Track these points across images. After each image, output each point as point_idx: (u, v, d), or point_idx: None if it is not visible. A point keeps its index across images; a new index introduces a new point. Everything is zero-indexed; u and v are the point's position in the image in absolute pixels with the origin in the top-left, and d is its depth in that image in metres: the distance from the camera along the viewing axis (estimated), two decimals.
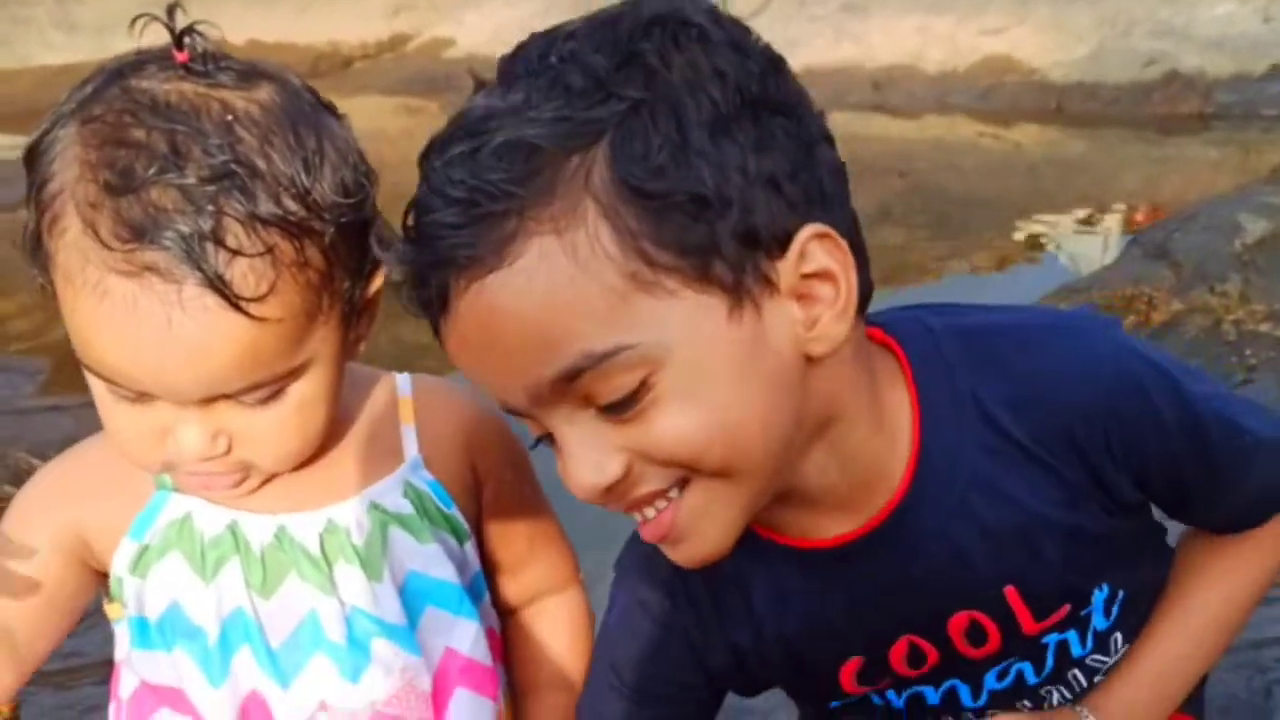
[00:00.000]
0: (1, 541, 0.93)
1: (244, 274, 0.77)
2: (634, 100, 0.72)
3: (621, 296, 0.72)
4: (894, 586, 0.94)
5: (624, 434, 0.77)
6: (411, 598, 0.96)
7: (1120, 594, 1.03)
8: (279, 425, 0.85)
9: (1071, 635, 1.02)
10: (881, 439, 0.88)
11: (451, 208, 0.72)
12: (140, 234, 0.75)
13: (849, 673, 1.01)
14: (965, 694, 1.05)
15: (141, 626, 0.94)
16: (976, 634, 0.98)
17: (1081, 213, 5.29)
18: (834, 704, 1.06)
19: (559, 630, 1.08)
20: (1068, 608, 0.99)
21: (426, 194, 0.74)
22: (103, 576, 0.95)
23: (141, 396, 0.81)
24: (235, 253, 0.76)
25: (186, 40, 0.81)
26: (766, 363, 0.77)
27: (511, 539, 1.03)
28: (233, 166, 0.77)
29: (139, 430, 0.83)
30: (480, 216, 0.71)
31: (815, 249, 0.76)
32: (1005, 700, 1.04)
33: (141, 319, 0.76)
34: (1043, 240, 4.95)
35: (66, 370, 3.51)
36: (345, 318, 0.86)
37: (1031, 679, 1.04)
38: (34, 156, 0.81)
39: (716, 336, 0.75)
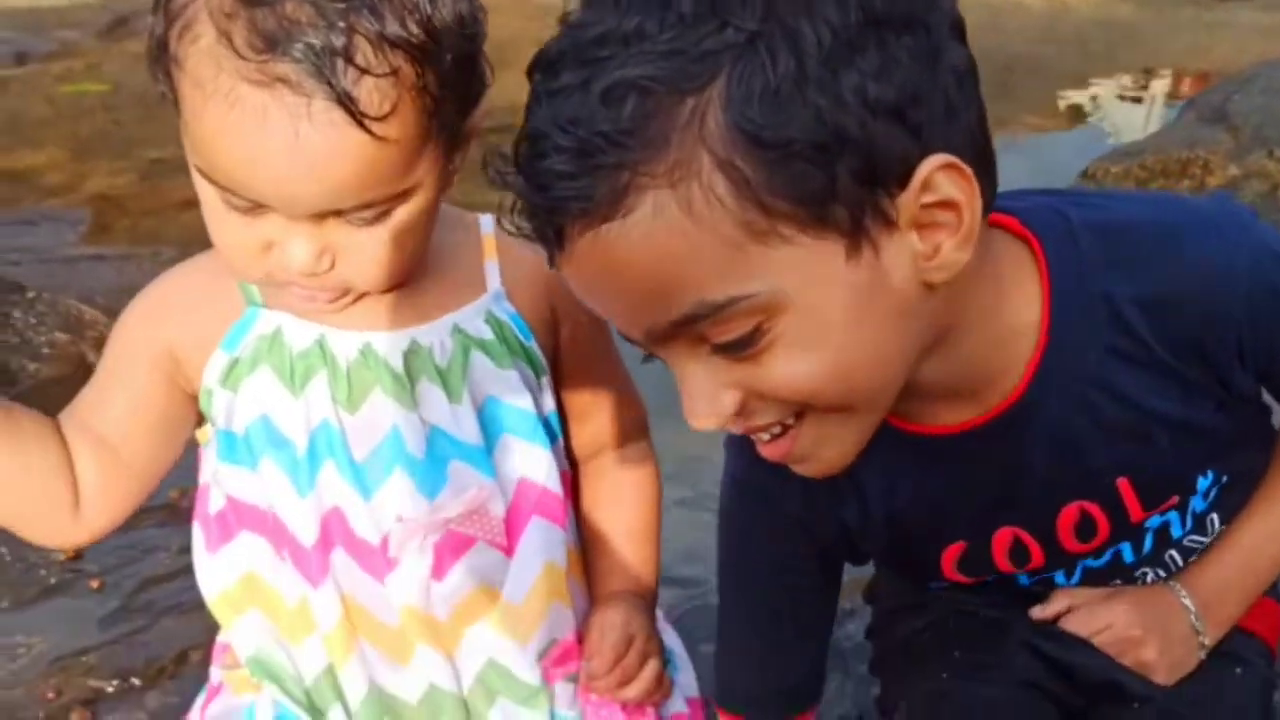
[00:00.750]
0: (109, 365, 0.96)
1: (370, 93, 0.77)
2: (750, 32, 0.68)
3: (737, 247, 0.71)
4: (1008, 474, 0.95)
5: (740, 371, 0.77)
6: (489, 422, 0.98)
7: (1223, 478, 1.03)
8: (381, 246, 0.85)
9: (1173, 517, 1.03)
10: (998, 342, 0.88)
11: (562, 155, 0.70)
12: (274, 45, 0.75)
13: (950, 558, 1.03)
14: (1060, 575, 1.06)
15: (229, 440, 0.96)
16: (1086, 527, 0.99)
17: (1129, 79, 5.14)
18: (933, 586, 1.08)
19: (626, 481, 1.10)
20: (1176, 497, 1.00)
21: (537, 128, 0.71)
22: (193, 400, 0.97)
23: (255, 208, 0.82)
24: (363, 71, 0.77)
25: None
26: (885, 300, 0.76)
27: (583, 383, 1.04)
28: None
29: (246, 241, 0.85)
30: (592, 168, 0.69)
31: (939, 179, 0.73)
32: (1099, 578, 1.06)
33: (270, 129, 0.77)
34: (1089, 106, 4.83)
35: (105, 221, 3.54)
36: (449, 147, 0.87)
37: (1129, 558, 1.05)
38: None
39: (833, 280, 0.74)
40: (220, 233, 0.86)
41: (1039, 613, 1.07)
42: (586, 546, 1.09)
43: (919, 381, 0.86)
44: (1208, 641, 1.08)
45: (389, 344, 0.94)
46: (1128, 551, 1.06)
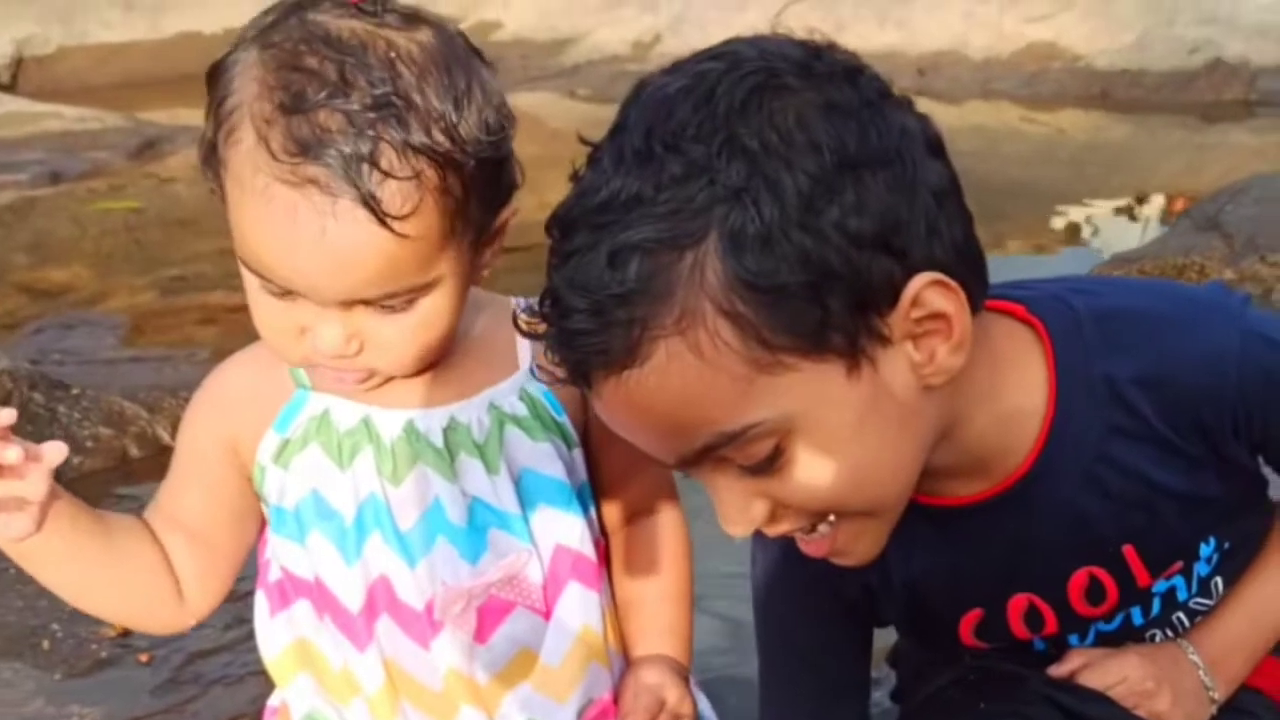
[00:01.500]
0: (181, 460, 1.06)
1: (393, 194, 0.86)
2: (737, 188, 0.77)
3: (746, 380, 0.79)
4: (1018, 544, 1.02)
5: (766, 485, 0.85)
6: (525, 492, 1.05)
7: (1225, 544, 1.09)
8: (405, 333, 0.94)
9: (1179, 582, 1.08)
10: (1005, 422, 0.96)
11: (579, 315, 0.79)
12: (306, 150, 0.85)
13: (968, 625, 1.09)
14: (1074, 638, 1.11)
15: (280, 515, 1.03)
16: (1096, 592, 1.05)
17: (1123, 200, 5.27)
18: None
19: (658, 546, 1.15)
20: (1180, 564, 1.06)
21: (556, 290, 0.81)
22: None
23: (287, 294, 0.91)
24: (387, 174, 0.85)
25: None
26: (889, 409, 0.84)
27: (615, 453, 1.08)
28: (392, 98, 0.86)
29: (283, 324, 0.94)
30: (607, 325, 0.78)
31: (927, 295, 0.81)
32: (1111, 641, 1.11)
33: (300, 225, 0.86)
34: (1084, 226, 4.95)
35: (142, 326, 3.64)
36: (475, 244, 0.96)
37: (1138, 621, 1.10)
38: (216, 75, 0.92)
39: (838, 398, 0.81)
40: (261, 316, 0.95)
41: (1056, 670, 1.10)
42: (621, 610, 1.14)
43: (931, 463, 0.93)
44: (1218, 696, 1.12)
45: (430, 421, 1.02)
46: (1137, 615, 1.11)
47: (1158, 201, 5.22)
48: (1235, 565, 1.12)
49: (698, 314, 0.77)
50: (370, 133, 0.85)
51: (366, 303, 0.91)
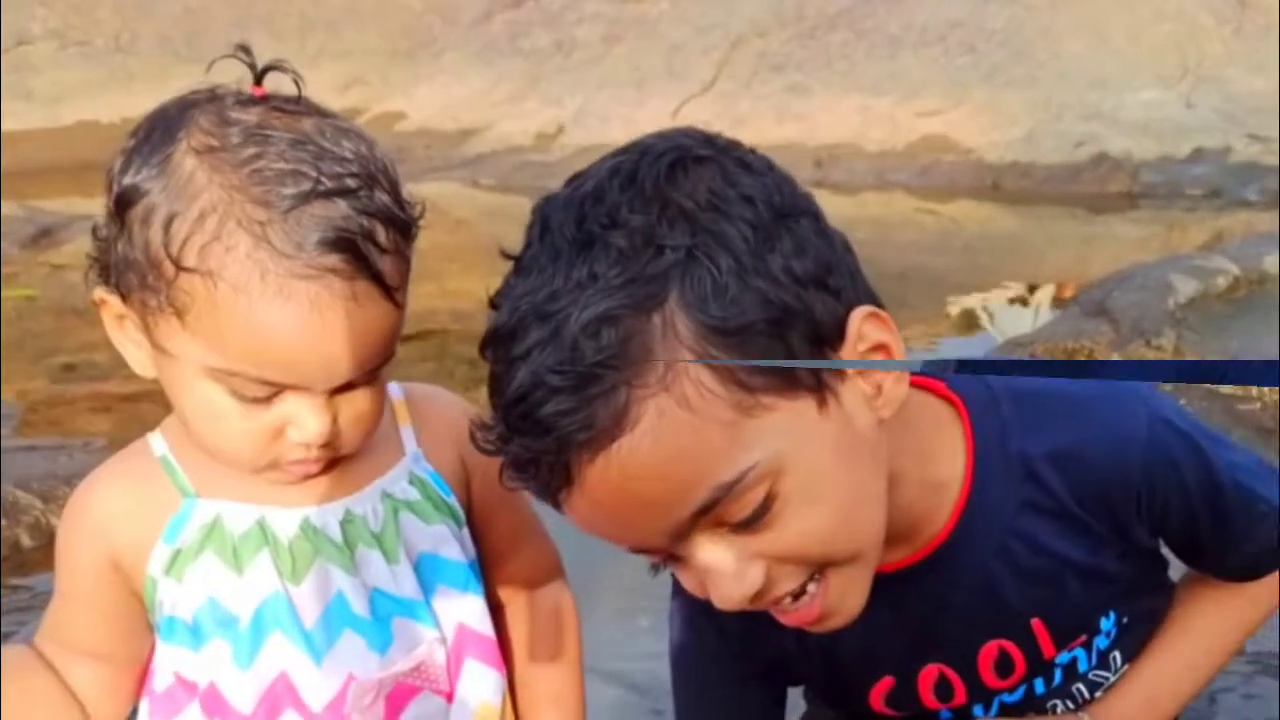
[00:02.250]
0: (64, 587, 1.01)
1: (390, 268, 0.89)
2: (686, 246, 0.79)
3: (734, 425, 0.80)
4: (932, 612, 1.04)
5: (760, 543, 0.85)
6: (424, 577, 1.03)
7: (1124, 619, 1.13)
8: (369, 404, 0.94)
9: (1080, 654, 1.11)
10: (929, 490, 0.99)
11: (559, 394, 0.77)
12: (320, 243, 0.84)
13: (879, 693, 1.11)
14: (979, 709, 1.13)
15: (172, 625, 0.99)
16: (1004, 664, 1.08)
17: (1015, 287, 5.47)
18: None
19: (545, 620, 1.14)
20: (1084, 636, 1.10)
21: (523, 386, 0.78)
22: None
23: (272, 395, 0.89)
24: (384, 251, 0.88)
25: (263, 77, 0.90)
26: (857, 441, 0.87)
27: (497, 527, 1.10)
28: (365, 174, 0.87)
29: (256, 430, 0.90)
30: (592, 397, 0.77)
31: (866, 329, 0.86)
32: (1014, 711, 1.13)
33: (324, 314, 0.85)
34: (979, 312, 5.11)
35: (34, 416, 3.54)
36: (405, 291, 0.95)
37: (1040, 691, 1.13)
38: (131, 199, 0.86)
39: (815, 434, 0.84)
40: (224, 429, 0.91)
41: None
42: (515, 682, 1.12)
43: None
44: None
45: (325, 517, 0.99)
46: (1039, 685, 1.13)
47: (1048, 289, 5.42)
48: (1132, 639, 1.16)
49: (678, 366, 0.78)
50: (365, 212, 0.86)
51: (350, 384, 0.91)
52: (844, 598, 0.91)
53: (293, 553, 0.98)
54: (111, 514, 0.99)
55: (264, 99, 0.89)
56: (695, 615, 1.12)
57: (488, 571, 1.10)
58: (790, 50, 7.83)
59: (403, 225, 0.90)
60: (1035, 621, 1.05)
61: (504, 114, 7.45)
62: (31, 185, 6.78)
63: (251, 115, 0.87)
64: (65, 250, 5.33)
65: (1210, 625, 1.16)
